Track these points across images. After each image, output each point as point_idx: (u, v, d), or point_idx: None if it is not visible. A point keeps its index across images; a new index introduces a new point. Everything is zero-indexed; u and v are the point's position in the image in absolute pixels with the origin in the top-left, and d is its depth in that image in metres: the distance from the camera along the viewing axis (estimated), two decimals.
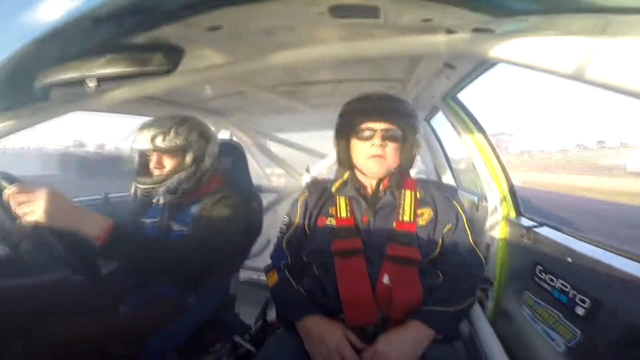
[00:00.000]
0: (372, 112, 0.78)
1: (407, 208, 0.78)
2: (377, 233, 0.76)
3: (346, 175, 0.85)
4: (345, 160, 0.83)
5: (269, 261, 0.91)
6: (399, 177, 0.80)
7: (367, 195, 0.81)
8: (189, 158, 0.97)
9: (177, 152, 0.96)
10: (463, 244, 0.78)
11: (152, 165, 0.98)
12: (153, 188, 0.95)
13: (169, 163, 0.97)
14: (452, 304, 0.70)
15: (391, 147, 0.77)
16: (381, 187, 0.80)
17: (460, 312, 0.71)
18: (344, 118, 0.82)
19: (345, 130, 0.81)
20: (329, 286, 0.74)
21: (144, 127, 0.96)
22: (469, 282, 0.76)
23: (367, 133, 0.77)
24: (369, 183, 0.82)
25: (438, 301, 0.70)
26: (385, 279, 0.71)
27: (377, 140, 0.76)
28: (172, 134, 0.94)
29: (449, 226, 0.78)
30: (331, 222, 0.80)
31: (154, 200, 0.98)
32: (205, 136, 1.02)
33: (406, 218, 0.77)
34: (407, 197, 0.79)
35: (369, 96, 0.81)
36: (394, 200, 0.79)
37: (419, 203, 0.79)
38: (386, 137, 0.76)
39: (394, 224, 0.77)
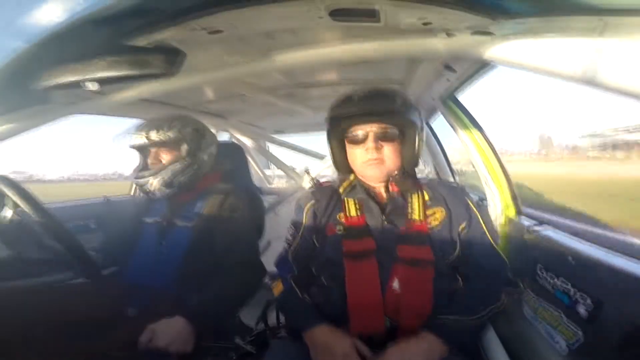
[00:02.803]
0: (361, 113, 0.71)
1: (415, 208, 0.74)
2: (388, 234, 0.72)
3: (352, 176, 0.81)
4: (342, 166, 0.80)
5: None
6: (408, 180, 0.76)
7: (376, 198, 0.77)
8: (184, 150, 1.00)
9: (171, 144, 0.99)
10: (481, 243, 0.72)
11: (149, 160, 1.00)
12: (148, 180, 0.97)
13: (165, 157, 1.00)
14: (471, 312, 0.64)
15: (388, 148, 0.72)
16: (390, 190, 0.76)
17: (480, 320, 0.64)
18: (333, 122, 0.76)
19: (337, 135, 0.77)
20: (337, 294, 0.70)
21: (140, 126, 1.00)
22: (491, 286, 0.69)
23: (359, 137, 0.72)
24: (376, 186, 0.78)
25: (455, 310, 0.65)
26: (395, 284, 0.67)
27: (370, 144, 0.71)
28: (165, 127, 0.97)
29: (463, 225, 0.73)
30: (340, 230, 0.76)
31: (150, 195, 1.00)
32: (199, 131, 1.05)
33: (415, 217, 0.72)
34: (415, 198, 0.75)
35: (355, 95, 0.73)
36: (403, 202, 0.75)
37: (428, 203, 0.75)
38: (380, 138, 0.71)
39: (405, 224, 0.73)
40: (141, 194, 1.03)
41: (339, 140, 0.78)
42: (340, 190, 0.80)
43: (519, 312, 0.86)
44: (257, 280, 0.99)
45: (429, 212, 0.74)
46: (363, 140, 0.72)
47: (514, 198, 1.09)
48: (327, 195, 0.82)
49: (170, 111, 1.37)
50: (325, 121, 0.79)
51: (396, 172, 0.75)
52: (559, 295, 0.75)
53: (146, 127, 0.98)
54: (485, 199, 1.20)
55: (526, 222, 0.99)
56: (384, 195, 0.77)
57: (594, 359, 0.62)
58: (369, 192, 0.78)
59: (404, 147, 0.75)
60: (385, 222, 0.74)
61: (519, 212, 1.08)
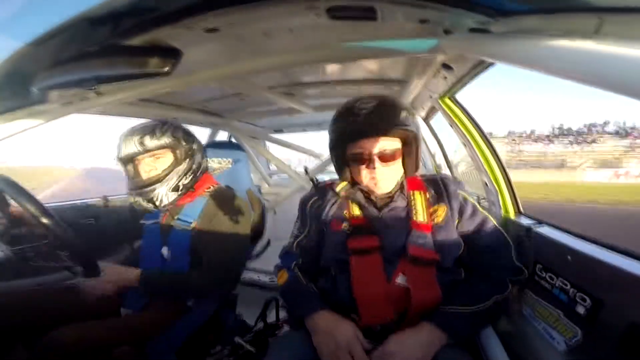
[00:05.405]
0: (363, 132, 0.69)
1: (419, 209, 0.74)
2: (392, 234, 0.73)
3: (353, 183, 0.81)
4: (347, 177, 0.79)
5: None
6: (404, 182, 0.78)
7: (375, 201, 0.77)
8: (180, 153, 0.98)
9: (167, 149, 0.97)
10: (486, 232, 0.73)
11: (143, 169, 0.96)
12: (154, 189, 0.94)
13: (161, 163, 0.97)
14: (474, 302, 0.65)
15: (392, 163, 0.72)
16: (393, 192, 0.77)
17: (481, 311, 0.65)
18: (335, 138, 0.74)
19: (339, 149, 0.76)
20: (343, 285, 0.71)
21: (126, 135, 0.95)
22: (497, 276, 0.69)
23: (362, 156, 0.71)
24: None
25: (455, 301, 0.66)
26: (400, 279, 0.68)
27: (376, 164, 0.69)
28: (158, 133, 0.95)
29: (464, 218, 0.75)
30: (346, 227, 0.76)
31: (157, 203, 0.96)
32: (188, 134, 1.04)
33: (420, 219, 0.73)
34: (418, 198, 0.76)
35: (356, 110, 0.70)
36: (404, 202, 0.76)
37: (430, 201, 0.76)
38: (384, 158, 0.70)
39: (409, 225, 0.73)
40: (144, 203, 0.97)
41: (341, 154, 0.76)
42: (338, 189, 0.81)
43: (518, 310, 0.86)
44: (233, 286, 1.02)
45: (431, 210, 0.75)
46: (367, 159, 0.71)
47: (513, 197, 1.09)
48: (329, 192, 0.84)
49: (169, 111, 1.37)
50: (330, 134, 0.77)
51: (400, 180, 0.76)
52: (558, 293, 0.75)
53: (136, 135, 0.93)
54: (485, 199, 1.20)
55: (525, 221, 0.99)
56: (384, 200, 0.77)
57: (592, 358, 0.63)
58: (368, 197, 0.78)
59: (408, 157, 0.74)
60: (388, 223, 0.75)
61: (518, 212, 1.08)
